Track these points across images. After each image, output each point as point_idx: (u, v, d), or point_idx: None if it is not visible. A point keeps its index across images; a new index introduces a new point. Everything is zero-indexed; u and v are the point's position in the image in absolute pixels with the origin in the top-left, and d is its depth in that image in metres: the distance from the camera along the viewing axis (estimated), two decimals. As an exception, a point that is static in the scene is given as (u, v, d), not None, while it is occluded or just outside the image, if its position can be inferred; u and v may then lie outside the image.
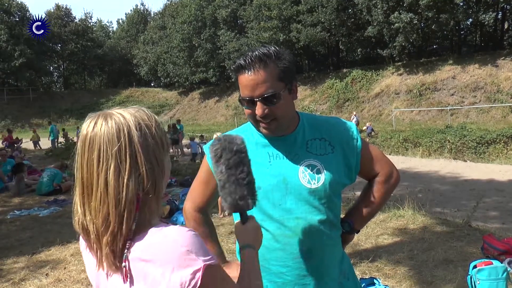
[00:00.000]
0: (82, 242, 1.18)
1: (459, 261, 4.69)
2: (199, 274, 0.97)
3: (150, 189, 1.05)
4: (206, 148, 1.72)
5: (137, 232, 1.03)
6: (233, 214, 1.60)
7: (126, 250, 1.02)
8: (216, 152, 1.31)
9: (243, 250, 1.27)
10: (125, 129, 1.03)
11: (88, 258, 1.15)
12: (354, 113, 27.46)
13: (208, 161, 1.71)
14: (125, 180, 1.01)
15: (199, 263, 0.98)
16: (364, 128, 25.71)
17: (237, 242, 1.37)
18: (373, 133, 24.00)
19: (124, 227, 1.01)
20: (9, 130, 24.79)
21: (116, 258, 1.03)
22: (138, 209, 1.03)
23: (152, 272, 0.98)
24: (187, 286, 0.97)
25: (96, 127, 1.04)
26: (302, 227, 1.58)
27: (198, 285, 0.97)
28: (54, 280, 4.66)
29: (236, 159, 1.30)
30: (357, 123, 25.67)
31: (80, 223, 1.06)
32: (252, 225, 1.32)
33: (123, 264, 1.02)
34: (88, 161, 1.03)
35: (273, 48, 1.53)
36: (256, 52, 1.50)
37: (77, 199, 1.07)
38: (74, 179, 1.09)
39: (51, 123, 27.28)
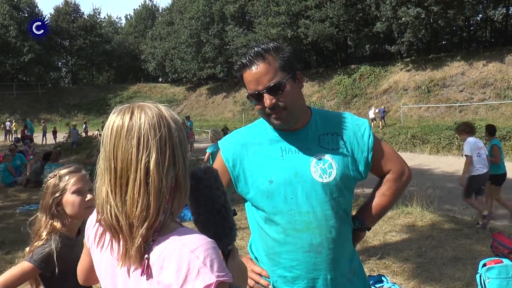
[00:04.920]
0: (90, 240, 1.15)
1: (468, 259, 4.66)
2: None
3: (182, 182, 1.05)
4: (221, 143, 1.78)
5: (162, 226, 1.02)
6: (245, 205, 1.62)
7: (152, 242, 1.00)
8: None
9: None
10: (164, 120, 1.03)
11: (100, 257, 1.12)
12: (381, 106, 27.35)
13: (222, 157, 1.74)
14: (165, 171, 1.01)
15: (212, 277, 0.95)
16: (376, 111, 25.55)
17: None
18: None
19: (159, 219, 1.00)
20: (25, 126, 24.99)
21: (143, 250, 1.01)
22: (168, 202, 1.02)
23: (165, 279, 0.97)
24: None
25: (134, 117, 1.03)
26: (313, 221, 1.60)
27: None
28: (63, 274, 4.69)
29: (206, 195, 1.14)
30: (384, 115, 25.54)
31: (113, 215, 1.02)
32: (234, 263, 1.17)
33: (145, 256, 1.00)
34: (125, 149, 1.01)
35: (271, 43, 1.58)
36: (255, 49, 1.56)
37: (107, 189, 1.03)
38: (96, 171, 1.06)
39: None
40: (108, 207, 1.03)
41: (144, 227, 0.99)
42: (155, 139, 1.01)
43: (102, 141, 1.05)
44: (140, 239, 0.99)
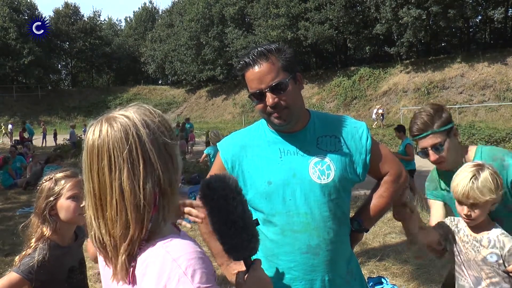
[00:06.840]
0: (100, 260, 1.15)
1: (467, 261, 4.66)
2: None
3: (167, 187, 1.01)
4: (220, 144, 1.78)
5: (151, 232, 0.99)
6: None
7: (138, 251, 0.98)
8: (201, 198, 1.15)
9: None
10: (132, 129, 0.98)
11: (105, 272, 1.12)
12: (378, 106, 27.33)
13: (221, 158, 1.74)
14: (141, 183, 0.97)
15: None
16: (381, 111, 25.62)
17: None
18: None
19: (144, 230, 0.97)
20: (23, 129, 25.00)
21: (129, 262, 0.99)
22: (156, 210, 0.99)
23: (146, 286, 0.95)
24: None
25: (102, 134, 0.99)
26: (311, 222, 1.60)
27: None
28: (63, 276, 4.68)
29: (220, 206, 1.11)
30: (382, 117, 25.66)
31: (96, 237, 1.01)
32: (254, 276, 1.13)
33: (132, 263, 0.98)
34: (99, 171, 0.98)
35: (273, 44, 1.61)
36: (258, 49, 1.58)
37: (90, 212, 1.01)
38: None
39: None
40: (93, 230, 1.01)
41: (126, 243, 0.97)
42: (124, 154, 0.97)
43: (82, 159, 1.02)
44: (124, 256, 0.97)
